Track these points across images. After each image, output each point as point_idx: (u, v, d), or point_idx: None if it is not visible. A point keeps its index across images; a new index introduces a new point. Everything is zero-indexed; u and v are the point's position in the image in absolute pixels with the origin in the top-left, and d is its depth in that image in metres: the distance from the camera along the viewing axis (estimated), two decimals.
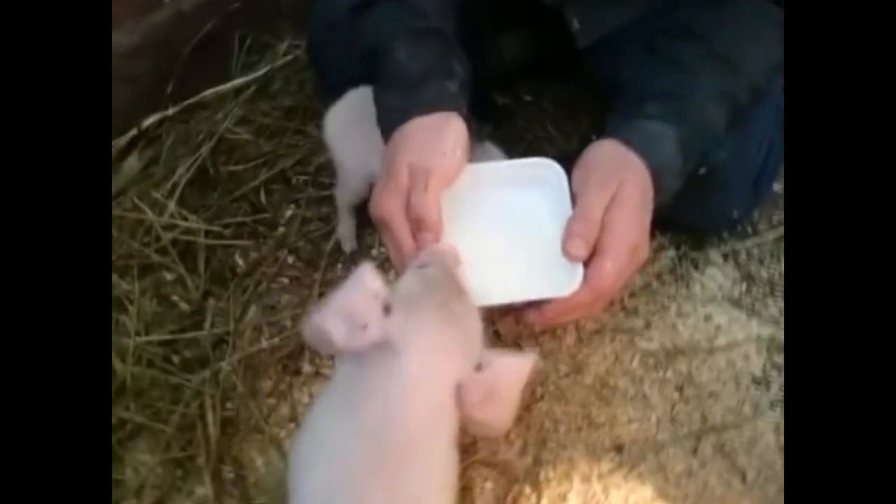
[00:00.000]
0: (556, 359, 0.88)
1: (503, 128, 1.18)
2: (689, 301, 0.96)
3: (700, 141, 0.71)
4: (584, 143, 0.70)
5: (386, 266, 0.93)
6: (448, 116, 0.66)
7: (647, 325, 0.92)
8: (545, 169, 0.69)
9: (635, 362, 0.89)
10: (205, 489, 0.72)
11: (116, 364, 0.79)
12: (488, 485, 0.77)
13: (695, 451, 0.82)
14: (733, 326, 0.93)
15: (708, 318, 0.94)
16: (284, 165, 1.07)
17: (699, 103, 0.71)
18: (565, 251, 0.62)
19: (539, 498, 0.76)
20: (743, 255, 1.02)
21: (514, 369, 0.53)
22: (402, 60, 0.69)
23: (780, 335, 0.92)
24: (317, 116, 1.12)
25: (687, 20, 0.76)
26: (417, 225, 0.63)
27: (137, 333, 0.83)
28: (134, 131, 1.02)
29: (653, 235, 1.01)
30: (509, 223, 0.69)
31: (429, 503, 0.51)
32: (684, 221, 0.99)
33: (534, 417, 0.82)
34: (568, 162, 0.69)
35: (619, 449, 0.82)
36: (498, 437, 0.79)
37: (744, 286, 0.98)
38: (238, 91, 1.15)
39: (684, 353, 0.89)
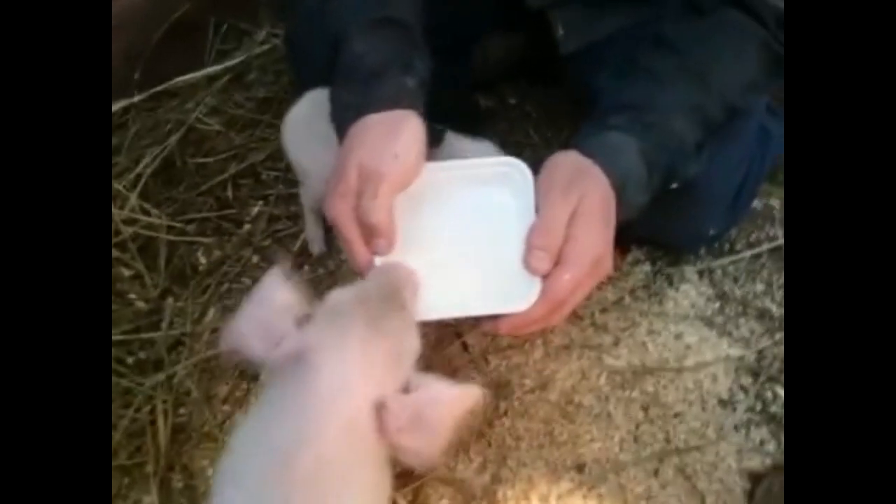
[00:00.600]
0: (521, 373, 0.87)
1: (486, 131, 1.16)
2: (661, 318, 0.95)
3: (666, 154, 0.70)
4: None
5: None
6: (404, 115, 0.63)
7: (616, 343, 0.91)
8: (510, 168, 0.67)
9: (602, 380, 0.88)
10: (151, 498, 0.71)
11: None
12: (444, 502, 0.75)
13: (656, 473, 0.82)
14: (703, 346, 0.93)
15: (679, 336, 0.94)
16: (255, 160, 1.05)
17: (665, 116, 0.70)
18: (527, 264, 0.61)
19: None
20: (718, 273, 1.01)
21: (446, 398, 0.51)
22: (359, 52, 0.67)
23: (750, 356, 0.92)
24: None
25: (667, 32, 0.76)
26: (369, 231, 0.61)
27: None
28: None
29: (629, 250, 1.02)
30: (469, 226, 0.67)
31: None
32: (660, 237, 0.99)
33: (495, 434, 0.82)
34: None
35: (580, 468, 0.81)
36: (456, 454, 0.78)
37: (717, 305, 0.98)
38: (211, 79, 1.12)
39: (652, 373, 0.89)
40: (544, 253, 0.60)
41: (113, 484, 0.73)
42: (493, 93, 1.21)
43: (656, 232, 0.97)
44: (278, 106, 1.12)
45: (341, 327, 0.51)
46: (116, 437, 0.75)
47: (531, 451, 0.81)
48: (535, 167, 0.67)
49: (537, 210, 0.63)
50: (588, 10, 0.87)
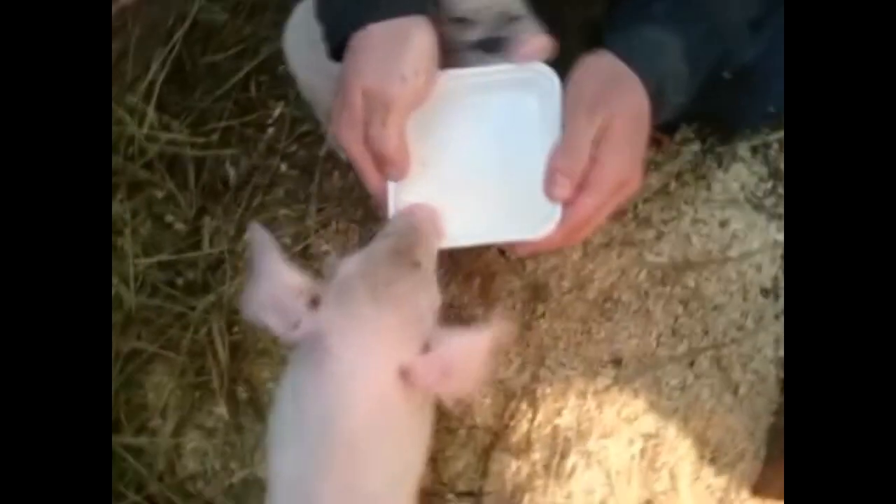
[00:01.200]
0: (560, 274, 0.88)
1: None
2: (707, 205, 0.92)
3: (714, 46, 0.63)
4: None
5: None
6: (410, 24, 0.58)
7: (659, 237, 0.90)
8: (535, 74, 0.61)
9: (642, 276, 0.88)
10: (220, 409, 0.79)
11: (121, 290, 0.81)
12: (487, 401, 0.82)
13: (692, 365, 0.84)
14: (750, 232, 0.90)
15: (724, 223, 0.91)
16: (268, 53, 0.97)
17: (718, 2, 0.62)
18: (547, 190, 0.57)
19: (535, 414, 0.81)
20: (775, 148, 0.95)
21: (466, 346, 0.51)
22: None
23: None
24: None
25: None
26: (380, 159, 0.58)
27: (136, 257, 0.83)
28: None
29: (677, 128, 0.95)
30: (488, 141, 0.63)
31: (389, 497, 0.51)
32: (714, 115, 0.91)
33: (534, 335, 0.85)
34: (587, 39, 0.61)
35: (616, 363, 0.85)
36: (496, 357, 0.82)
37: (770, 185, 0.93)
38: None
39: (693, 267, 0.88)
40: (566, 179, 0.57)
41: (186, 398, 0.81)
42: None
43: (709, 110, 0.90)
44: None
45: (349, 306, 0.51)
46: (181, 358, 0.81)
47: (569, 350, 0.85)
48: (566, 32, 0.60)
49: (564, 122, 0.58)
50: None
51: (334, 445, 0.49)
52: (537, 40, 0.61)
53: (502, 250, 0.88)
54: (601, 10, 0.68)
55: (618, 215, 0.90)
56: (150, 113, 0.90)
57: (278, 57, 0.99)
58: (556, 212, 0.57)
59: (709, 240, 0.90)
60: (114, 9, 0.92)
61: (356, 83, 0.57)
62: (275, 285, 0.51)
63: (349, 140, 0.58)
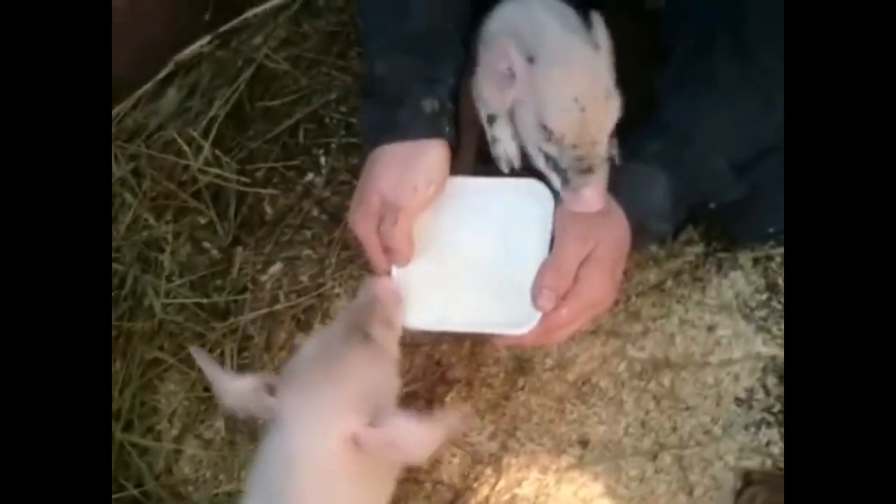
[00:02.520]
0: (545, 353, 0.94)
1: None
2: (698, 308, 0.96)
3: (696, 189, 0.71)
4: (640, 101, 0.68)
5: None
6: (424, 146, 0.67)
7: (645, 332, 0.95)
8: (533, 188, 0.70)
9: (621, 367, 0.94)
10: (220, 423, 0.88)
11: (154, 303, 0.92)
12: (455, 461, 0.88)
13: (654, 459, 0.89)
14: (735, 342, 0.95)
15: (711, 328, 0.96)
16: (319, 103, 1.08)
17: (705, 149, 0.69)
18: (534, 300, 0.66)
19: (498, 480, 0.88)
20: (776, 262, 0.98)
21: (413, 434, 0.57)
22: (379, 76, 0.70)
23: (781, 357, 0.93)
24: (359, 43, 1.09)
25: (748, 28, 0.69)
26: (388, 251, 0.69)
27: (171, 274, 0.94)
28: (172, 65, 1.03)
29: (683, 229, 1.00)
30: (486, 240, 0.72)
31: None
32: (719, 223, 0.96)
33: (510, 405, 0.92)
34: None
35: (583, 445, 0.91)
36: (473, 422, 0.89)
37: (764, 297, 0.97)
38: (280, 9, 1.12)
39: (672, 367, 0.93)
40: (552, 293, 0.66)
41: (192, 409, 0.92)
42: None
43: (713, 221, 0.95)
44: (345, 40, 1.12)
45: (300, 383, 0.59)
46: (193, 373, 0.91)
47: (541, 426, 0.91)
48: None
49: (553, 234, 0.67)
50: None
51: None
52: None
53: None
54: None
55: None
56: (206, 148, 1.01)
57: (328, 107, 1.09)
58: (536, 317, 0.66)
59: (693, 342, 0.95)
60: (188, 53, 1.04)
61: (374, 187, 0.67)
62: (233, 397, 0.60)
63: (364, 230, 0.69)
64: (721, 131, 0.69)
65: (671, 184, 0.68)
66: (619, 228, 0.67)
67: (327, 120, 1.09)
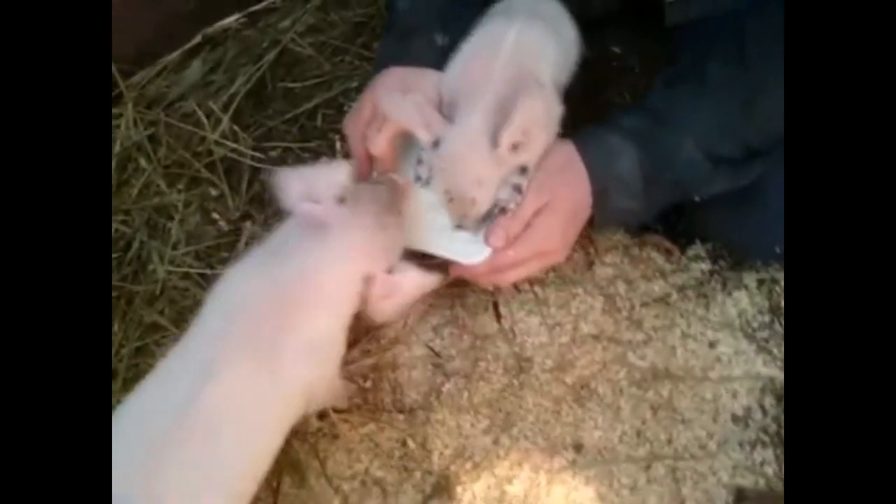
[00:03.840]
0: (545, 352, 0.93)
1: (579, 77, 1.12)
2: (701, 323, 0.96)
3: (668, 171, 0.73)
4: None
5: None
6: (422, 72, 0.73)
7: (646, 341, 0.95)
8: None
9: (621, 374, 0.93)
10: None
11: (158, 269, 0.92)
12: (448, 452, 0.87)
13: (648, 469, 0.88)
14: (735, 360, 0.94)
15: (713, 344, 0.95)
16: (340, 90, 1.08)
17: (679, 134, 0.72)
18: (487, 238, 0.72)
19: (485, 474, 0.86)
20: (780, 286, 0.99)
21: (418, 280, 0.70)
22: (401, 9, 0.78)
23: (780, 378, 0.93)
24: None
25: (748, 36, 0.73)
26: (370, 154, 0.74)
27: (177, 244, 0.93)
28: (199, 37, 1.04)
29: (689, 244, 1.00)
30: None
31: (311, 354, 0.65)
32: (725, 240, 0.97)
33: (507, 402, 0.91)
34: None
35: (577, 449, 0.89)
36: (466, 412, 0.88)
37: (767, 318, 0.97)
38: None
39: (672, 378, 0.92)
40: (503, 233, 0.72)
41: None
42: (598, 37, 1.14)
43: (720, 234, 0.96)
44: (371, 32, 1.13)
45: (357, 216, 0.67)
46: None
47: (536, 426, 0.90)
48: None
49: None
50: None
51: (288, 299, 0.64)
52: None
53: (498, 314, 0.95)
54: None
55: (613, 311, 0.96)
56: (225, 122, 1.02)
57: (347, 95, 1.10)
58: (486, 252, 0.73)
59: (693, 356, 0.95)
60: (216, 28, 1.05)
61: (369, 97, 0.74)
62: (318, 173, 0.68)
63: (352, 133, 0.75)
64: (698, 118, 0.71)
65: (640, 159, 0.71)
66: (578, 188, 0.71)
67: (346, 107, 1.10)
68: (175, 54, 1.04)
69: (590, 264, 0.99)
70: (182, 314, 0.91)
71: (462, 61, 0.73)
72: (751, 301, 0.98)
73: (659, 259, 1.01)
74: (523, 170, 0.72)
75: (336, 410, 0.87)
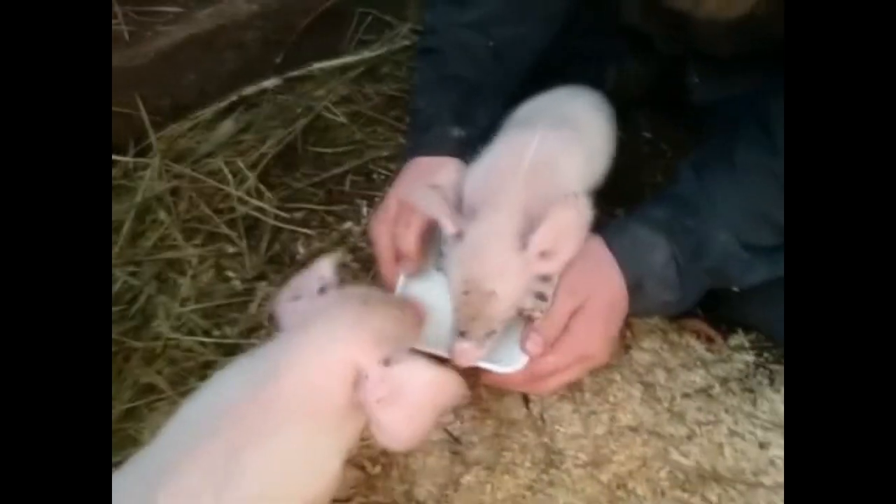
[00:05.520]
0: (578, 445, 0.84)
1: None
2: (749, 420, 0.87)
3: (703, 260, 0.71)
4: None
5: None
6: (444, 161, 0.74)
7: (690, 437, 0.85)
8: None
9: (662, 473, 0.82)
10: None
11: (163, 326, 0.84)
12: None
13: None
14: None
15: (764, 446, 0.85)
16: (370, 157, 1.06)
17: (710, 223, 0.70)
18: (522, 343, 0.68)
19: None
20: None
21: (427, 376, 0.55)
22: (418, 107, 0.81)
23: None
24: None
25: (773, 119, 0.70)
26: (399, 254, 0.71)
27: (186, 300, 0.87)
28: (234, 97, 1.04)
29: (734, 331, 0.93)
30: None
31: (279, 474, 0.53)
32: (767, 330, 0.90)
33: (534, 499, 0.80)
34: None
35: None
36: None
37: None
38: (346, 69, 1.15)
39: (721, 481, 0.81)
40: (540, 338, 0.67)
41: None
42: (629, 121, 1.13)
43: (762, 323, 0.90)
44: (402, 107, 1.14)
45: (342, 300, 0.59)
46: None
47: None
48: None
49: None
50: (726, 64, 0.84)
51: (258, 400, 0.53)
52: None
53: (526, 398, 0.86)
54: None
55: (652, 401, 0.87)
56: (251, 180, 0.99)
57: (378, 162, 1.08)
58: (524, 359, 0.68)
59: (743, 457, 0.84)
60: (253, 88, 1.06)
61: (395, 192, 0.74)
62: (304, 276, 0.62)
63: (379, 232, 0.73)
64: (730, 206, 0.69)
65: (673, 250, 0.69)
66: (612, 285, 0.68)
67: (375, 175, 1.07)
68: (208, 111, 1.03)
69: (626, 348, 0.92)
70: (182, 376, 0.83)
71: (483, 170, 0.71)
72: None
73: (699, 347, 0.93)
74: (546, 278, 0.68)
75: (336, 500, 0.77)
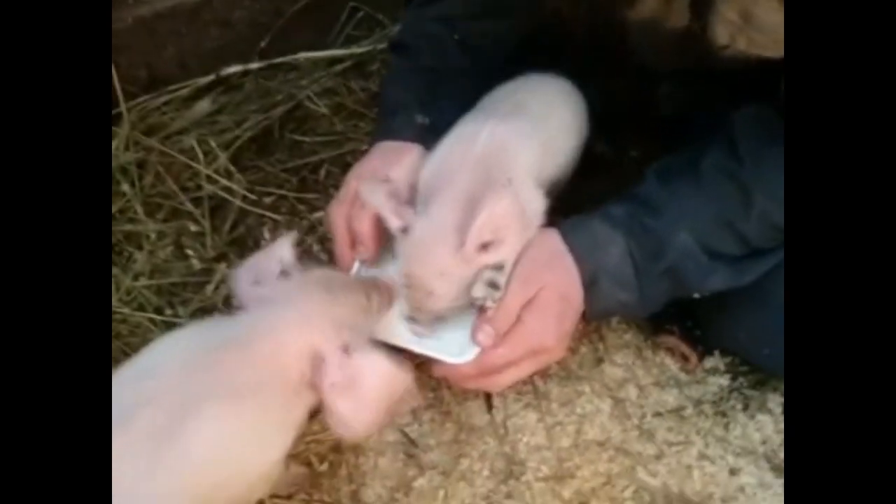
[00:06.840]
0: (541, 457, 0.79)
1: (596, 179, 1.07)
2: (720, 445, 0.83)
3: (660, 261, 0.69)
4: None
5: None
6: (407, 147, 0.73)
7: (659, 456, 0.80)
8: None
9: (628, 492, 0.78)
10: None
11: (112, 300, 0.79)
12: None
13: None
14: (760, 493, 0.80)
15: (735, 472, 0.81)
16: (348, 149, 1.04)
17: (670, 225, 0.68)
18: (473, 335, 0.66)
19: None
20: None
21: (380, 367, 0.55)
22: (386, 93, 0.83)
23: None
24: None
25: (737, 131, 0.71)
26: (354, 237, 0.70)
27: (140, 275, 0.82)
28: (214, 76, 1.01)
29: (710, 353, 0.89)
30: None
31: (216, 447, 0.52)
32: (740, 352, 0.87)
33: None
34: None
35: None
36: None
37: None
38: (333, 62, 1.13)
39: None
40: (492, 330, 0.66)
41: None
42: (615, 140, 1.11)
43: (734, 344, 0.87)
44: None
45: (305, 285, 0.58)
46: None
47: None
48: None
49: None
50: (696, 76, 0.83)
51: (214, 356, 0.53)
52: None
53: (490, 403, 0.81)
54: None
55: (622, 417, 0.83)
56: (222, 159, 0.95)
57: (356, 155, 1.05)
58: (474, 350, 0.66)
59: (712, 482, 0.80)
60: (234, 69, 1.03)
61: (354, 173, 0.73)
62: (263, 255, 0.61)
63: (336, 214, 0.72)
64: (693, 209, 0.68)
65: (630, 247, 0.68)
66: (566, 277, 0.67)
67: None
68: (186, 88, 1.00)
69: (598, 361, 0.88)
70: (126, 353, 0.78)
71: (436, 160, 0.71)
72: (776, 428, 0.85)
73: (673, 366, 0.90)
74: (499, 267, 0.67)
75: (275, 497, 0.71)
